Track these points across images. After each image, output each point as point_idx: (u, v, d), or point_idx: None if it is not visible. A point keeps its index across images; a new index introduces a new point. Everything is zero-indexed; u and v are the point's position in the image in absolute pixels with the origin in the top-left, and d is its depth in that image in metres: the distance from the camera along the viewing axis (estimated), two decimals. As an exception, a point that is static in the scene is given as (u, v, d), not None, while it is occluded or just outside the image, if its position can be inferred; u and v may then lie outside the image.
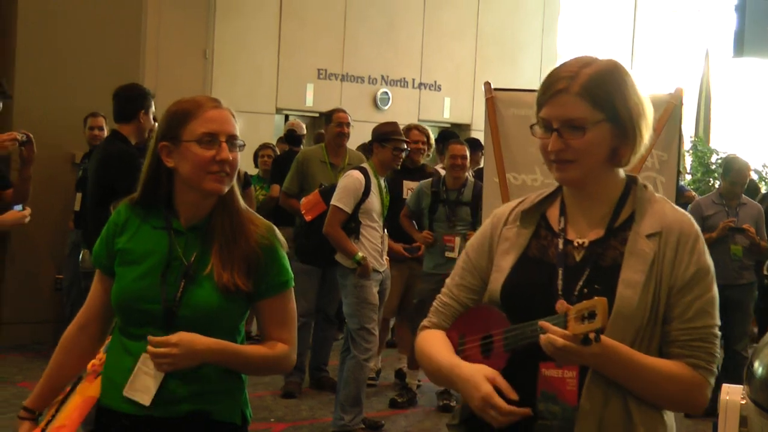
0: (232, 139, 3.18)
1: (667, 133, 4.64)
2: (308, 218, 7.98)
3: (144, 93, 6.32)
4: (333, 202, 7.46)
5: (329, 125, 8.94)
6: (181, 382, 3.08)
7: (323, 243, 7.53)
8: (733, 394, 3.87)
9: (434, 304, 2.89)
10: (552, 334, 2.48)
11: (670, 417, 2.72)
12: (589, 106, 2.62)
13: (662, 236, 2.65)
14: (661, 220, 2.67)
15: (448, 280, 2.89)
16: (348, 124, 8.87)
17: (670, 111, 4.69)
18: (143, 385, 3.09)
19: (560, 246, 2.73)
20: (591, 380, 2.57)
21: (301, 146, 10.95)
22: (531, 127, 2.74)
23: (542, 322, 2.53)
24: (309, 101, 15.17)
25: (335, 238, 7.41)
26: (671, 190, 4.64)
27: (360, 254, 7.34)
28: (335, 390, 7.59)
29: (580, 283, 2.65)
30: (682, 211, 2.74)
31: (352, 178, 7.48)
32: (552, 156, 2.67)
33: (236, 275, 3.14)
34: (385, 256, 7.79)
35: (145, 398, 3.09)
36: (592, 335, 2.45)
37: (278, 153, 11.34)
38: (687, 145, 18.12)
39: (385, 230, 7.86)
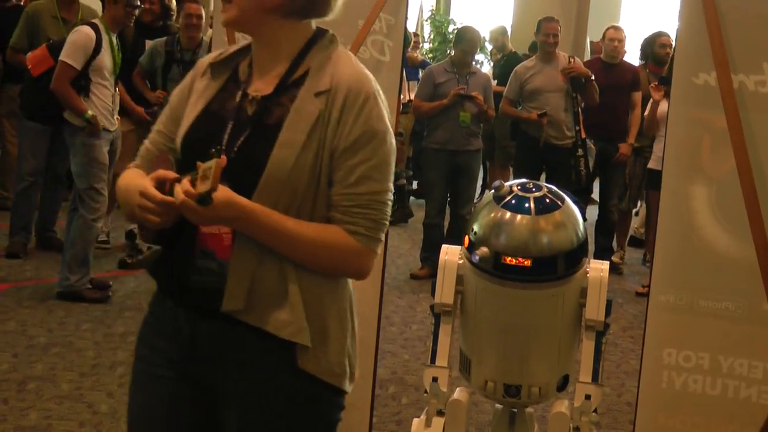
0: None
1: (394, -2, 4.68)
2: (35, 73, 7.70)
3: None
4: (62, 57, 7.24)
5: (59, -23, 8.63)
6: None
7: (51, 100, 7.30)
8: (451, 254, 4.02)
9: (140, 148, 2.77)
10: (181, 190, 2.40)
11: (346, 283, 2.64)
12: None
13: (330, 95, 2.50)
14: (333, 78, 2.53)
15: (154, 126, 2.78)
16: None
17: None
18: None
19: (237, 99, 2.62)
20: (239, 237, 2.50)
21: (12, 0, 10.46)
22: None
23: (186, 177, 2.42)
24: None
25: (64, 95, 7.21)
26: (398, 53, 4.69)
27: (90, 112, 7.18)
28: (62, 251, 7.44)
29: (242, 138, 2.54)
30: (362, 70, 2.58)
31: (82, 33, 7.27)
32: None
33: None
34: (116, 116, 7.62)
35: None
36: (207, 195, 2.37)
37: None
38: (426, 14, 18.40)
39: (117, 89, 7.68)
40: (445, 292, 3.98)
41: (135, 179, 2.60)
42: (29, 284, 7.66)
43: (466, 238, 3.76)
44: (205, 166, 2.37)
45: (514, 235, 3.68)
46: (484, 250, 3.62)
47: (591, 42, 11.89)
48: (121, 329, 6.71)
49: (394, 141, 2.58)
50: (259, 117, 2.56)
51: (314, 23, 2.64)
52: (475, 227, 3.77)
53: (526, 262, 3.62)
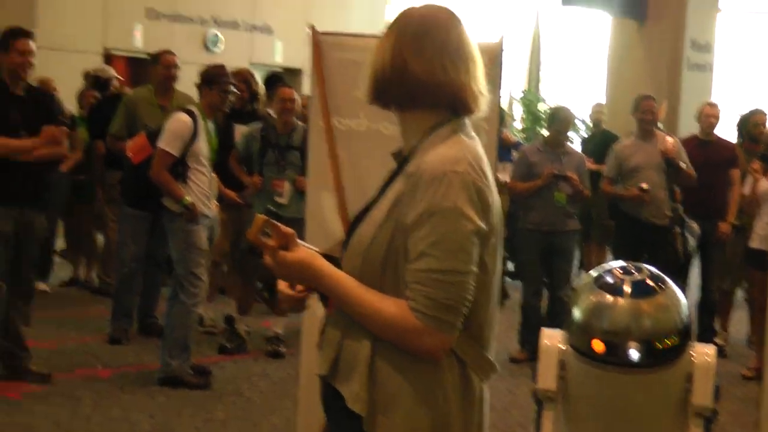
0: None
1: (489, 80, 4.69)
2: (135, 161, 7.85)
3: None
4: (160, 145, 7.33)
5: (156, 67, 8.86)
6: None
7: (151, 187, 7.40)
8: (552, 338, 3.98)
9: None
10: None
11: (442, 367, 2.66)
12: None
13: (413, 177, 2.62)
14: (419, 161, 2.64)
15: None
16: (176, 66, 8.82)
17: (492, 59, 4.75)
18: None
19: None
20: (335, 302, 2.73)
21: (111, 89, 10.73)
22: None
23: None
24: (138, 42, 14.85)
25: (162, 182, 7.31)
26: (493, 135, 4.72)
27: (188, 198, 7.25)
28: (163, 336, 7.51)
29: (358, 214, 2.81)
30: (451, 152, 2.64)
31: (180, 121, 7.36)
32: None
33: None
34: (214, 201, 7.71)
35: None
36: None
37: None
38: (517, 94, 18.43)
39: (213, 174, 7.77)
40: (547, 377, 3.93)
41: None
42: (131, 370, 7.74)
43: (597, 342, 3.67)
44: None
45: (616, 318, 3.64)
46: (635, 343, 3.58)
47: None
48: (221, 415, 6.73)
49: (469, 222, 2.57)
50: (378, 196, 2.76)
51: (446, 114, 2.73)
52: (575, 311, 3.74)
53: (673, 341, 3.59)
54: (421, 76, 2.68)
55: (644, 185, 8.99)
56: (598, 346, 3.65)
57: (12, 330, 7.02)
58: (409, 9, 2.80)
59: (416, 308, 2.55)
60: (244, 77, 9.20)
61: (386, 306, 2.59)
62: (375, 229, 2.65)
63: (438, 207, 2.55)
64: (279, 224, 2.67)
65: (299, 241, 2.71)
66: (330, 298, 2.73)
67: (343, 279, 2.65)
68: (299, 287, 2.82)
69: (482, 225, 2.60)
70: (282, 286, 2.84)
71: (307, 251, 2.68)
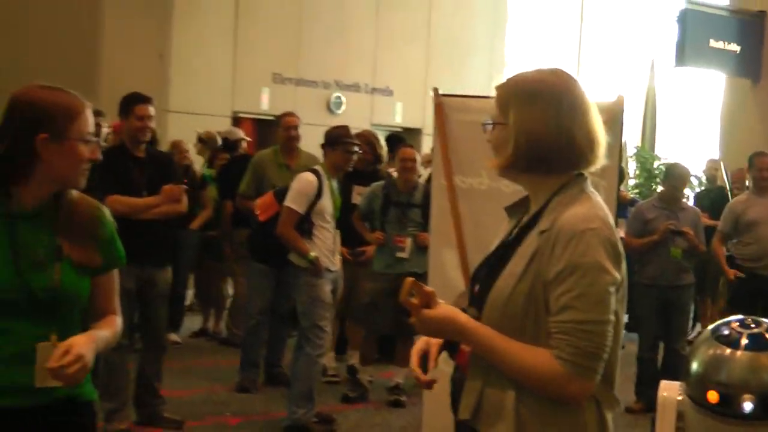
0: None
1: (608, 139, 4.86)
2: (262, 218, 8.09)
3: None
4: (286, 203, 7.56)
5: (279, 129, 9.13)
6: None
7: (277, 243, 7.65)
8: (670, 390, 4.05)
9: None
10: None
11: (579, 413, 2.83)
12: (497, 108, 2.95)
13: (549, 233, 2.79)
14: (555, 218, 2.81)
15: None
16: (296, 128, 9.00)
17: (612, 118, 4.84)
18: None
19: (509, 236, 3.00)
20: (474, 354, 2.89)
21: (239, 150, 11.07)
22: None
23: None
24: (264, 105, 15.29)
25: (288, 238, 7.53)
26: (612, 193, 4.80)
27: (313, 254, 7.43)
28: (289, 385, 7.74)
29: (486, 270, 2.97)
30: (586, 211, 2.82)
31: (305, 180, 7.58)
32: None
33: (89, 253, 3.20)
34: (338, 256, 7.92)
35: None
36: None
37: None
38: (631, 151, 18.39)
39: (337, 230, 7.97)
40: (665, 428, 3.98)
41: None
42: (259, 418, 7.95)
43: (712, 393, 3.75)
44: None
45: (732, 371, 3.71)
46: (750, 396, 3.66)
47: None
48: (346, 462, 6.91)
49: (608, 275, 2.76)
50: (505, 252, 2.93)
51: (572, 173, 2.91)
52: (693, 363, 3.83)
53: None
54: (562, 141, 2.84)
55: (741, 274, 9.07)
56: (712, 396, 3.69)
57: (145, 381, 7.36)
58: (536, 75, 2.93)
59: (561, 356, 2.72)
60: (368, 139, 9.35)
61: (531, 355, 2.76)
62: (514, 283, 2.79)
63: (579, 263, 2.73)
64: (422, 284, 2.85)
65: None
66: (461, 349, 2.94)
67: (486, 331, 2.81)
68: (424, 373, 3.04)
69: (618, 276, 2.79)
70: (414, 365, 3.05)
71: (448, 308, 2.85)
